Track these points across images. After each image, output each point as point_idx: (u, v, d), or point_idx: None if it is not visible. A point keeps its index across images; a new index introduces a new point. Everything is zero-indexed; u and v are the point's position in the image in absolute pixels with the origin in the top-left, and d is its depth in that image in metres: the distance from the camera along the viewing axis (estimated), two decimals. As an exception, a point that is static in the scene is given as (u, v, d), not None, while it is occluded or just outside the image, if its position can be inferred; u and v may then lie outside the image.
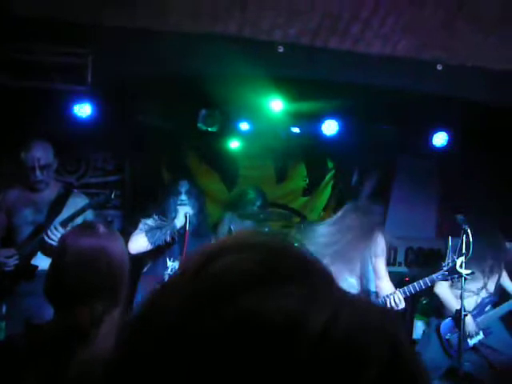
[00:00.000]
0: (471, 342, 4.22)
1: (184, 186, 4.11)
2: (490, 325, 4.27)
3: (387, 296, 3.70)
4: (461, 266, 3.74)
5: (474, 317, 4.24)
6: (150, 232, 3.92)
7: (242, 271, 0.53)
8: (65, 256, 1.76)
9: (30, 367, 1.54)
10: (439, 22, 3.95)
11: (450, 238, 3.96)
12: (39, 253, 3.86)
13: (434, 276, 3.76)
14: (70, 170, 6.16)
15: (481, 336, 4.23)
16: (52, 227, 3.74)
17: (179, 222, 3.94)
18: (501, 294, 4.45)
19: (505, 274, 4.46)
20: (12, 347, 1.64)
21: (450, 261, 3.75)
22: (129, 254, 3.82)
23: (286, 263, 0.55)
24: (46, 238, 3.73)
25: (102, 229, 1.82)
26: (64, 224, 3.74)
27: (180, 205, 4.03)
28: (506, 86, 4.27)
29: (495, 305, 4.38)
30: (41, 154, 3.87)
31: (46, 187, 3.96)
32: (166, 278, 4.01)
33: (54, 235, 3.68)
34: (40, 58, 3.86)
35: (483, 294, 4.27)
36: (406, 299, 3.76)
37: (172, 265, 4.07)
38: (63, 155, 4.64)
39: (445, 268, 3.74)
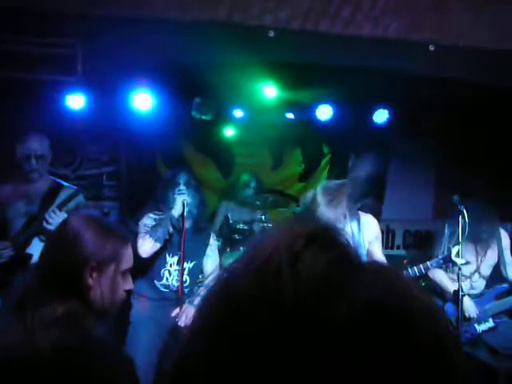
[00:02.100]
0: (479, 327, 4.17)
1: (183, 178, 4.04)
2: (501, 312, 4.23)
3: None
4: (456, 255, 3.75)
5: (481, 303, 4.21)
6: (151, 230, 3.89)
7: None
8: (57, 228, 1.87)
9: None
10: (430, 1, 3.92)
11: (446, 225, 3.95)
12: (34, 242, 3.85)
13: (428, 263, 3.79)
14: (65, 163, 6.13)
15: (491, 323, 4.19)
16: (50, 211, 3.73)
17: (176, 210, 3.90)
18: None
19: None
20: None
21: (445, 249, 3.77)
22: (141, 258, 3.82)
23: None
24: (44, 224, 3.71)
25: (92, 218, 1.81)
26: (61, 206, 3.75)
27: (178, 194, 3.98)
28: (499, 66, 4.23)
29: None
30: (37, 145, 3.88)
31: (39, 178, 3.95)
32: (165, 274, 3.98)
33: (53, 219, 3.67)
34: (27, 48, 3.83)
35: (476, 277, 4.25)
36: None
37: (171, 260, 4.00)
38: (58, 147, 4.62)
39: (440, 256, 3.77)
